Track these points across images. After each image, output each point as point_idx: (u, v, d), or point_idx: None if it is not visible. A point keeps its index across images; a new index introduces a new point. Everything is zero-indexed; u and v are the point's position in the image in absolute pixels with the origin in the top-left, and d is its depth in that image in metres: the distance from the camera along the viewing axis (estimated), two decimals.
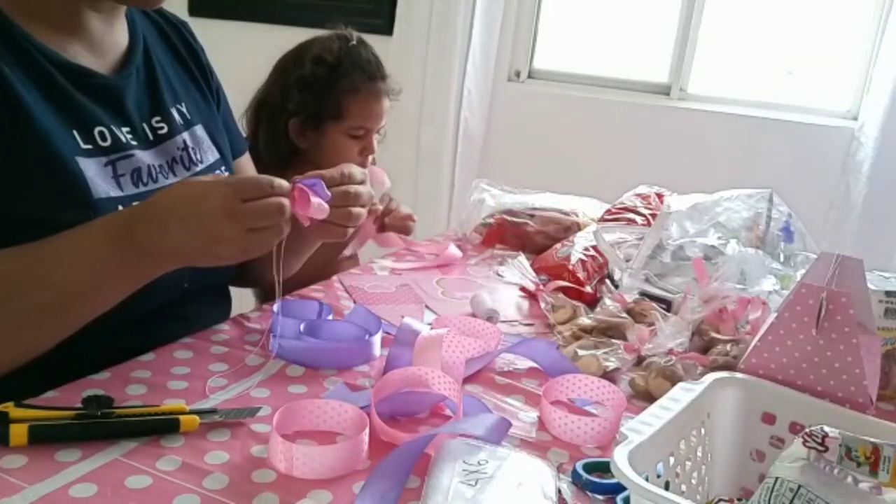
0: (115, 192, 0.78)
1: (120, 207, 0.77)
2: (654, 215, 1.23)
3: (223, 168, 0.96)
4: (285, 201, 0.70)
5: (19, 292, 0.68)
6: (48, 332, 0.71)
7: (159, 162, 0.86)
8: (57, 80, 0.77)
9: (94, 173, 0.76)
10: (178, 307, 0.86)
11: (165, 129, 0.88)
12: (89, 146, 0.78)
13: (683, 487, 0.56)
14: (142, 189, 0.81)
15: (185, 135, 0.91)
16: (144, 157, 0.84)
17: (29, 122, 0.72)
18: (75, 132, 0.77)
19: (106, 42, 0.84)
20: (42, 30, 0.77)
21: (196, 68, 0.99)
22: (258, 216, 0.69)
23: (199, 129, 0.94)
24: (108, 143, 0.80)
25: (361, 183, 0.81)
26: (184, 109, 0.92)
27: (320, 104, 1.38)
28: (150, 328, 0.81)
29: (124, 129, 0.82)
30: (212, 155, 0.95)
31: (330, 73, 1.38)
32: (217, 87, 1.04)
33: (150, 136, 0.86)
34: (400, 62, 2.59)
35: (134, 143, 0.83)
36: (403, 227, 1.40)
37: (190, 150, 0.90)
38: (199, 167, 0.91)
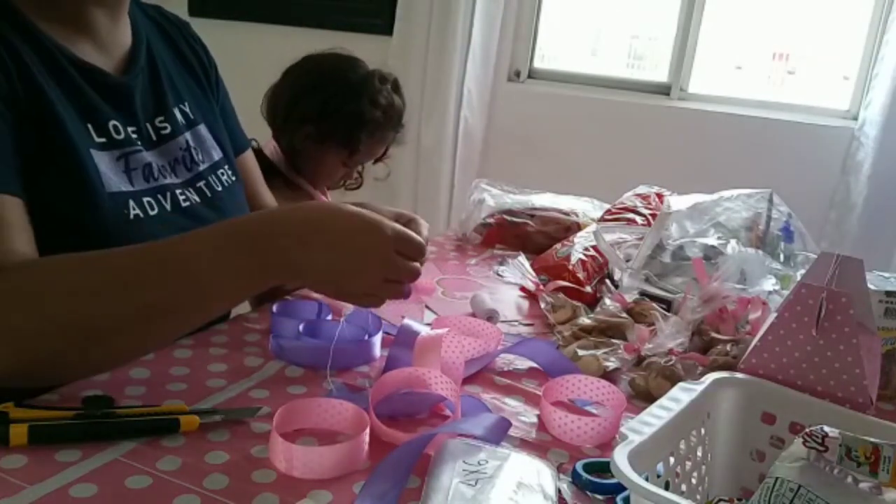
0: (125, 187, 0.78)
1: (131, 202, 0.78)
2: (654, 215, 1.23)
3: (226, 167, 0.96)
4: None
5: (136, 287, 0.66)
6: (161, 336, 0.71)
7: (161, 162, 0.86)
8: (73, 76, 0.78)
9: (107, 167, 0.77)
10: None
11: (168, 129, 0.89)
12: (103, 139, 0.78)
13: (683, 487, 0.56)
14: (151, 185, 0.82)
15: (188, 135, 0.91)
16: (150, 156, 0.84)
17: (49, 112, 0.73)
18: (90, 126, 0.77)
19: (112, 40, 0.85)
20: (53, 27, 0.78)
21: (198, 66, 1.00)
22: (402, 274, 0.71)
23: (202, 129, 0.95)
24: (122, 136, 0.81)
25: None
26: (186, 109, 0.93)
27: (343, 131, 1.44)
28: None
29: (130, 129, 0.83)
30: (216, 153, 0.95)
31: (381, 115, 1.46)
32: (218, 82, 1.04)
33: (154, 137, 0.87)
34: (400, 62, 2.59)
35: (138, 143, 0.84)
36: None
37: (192, 150, 0.91)
38: (201, 167, 0.91)
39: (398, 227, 0.70)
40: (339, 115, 1.43)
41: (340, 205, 0.70)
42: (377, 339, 0.85)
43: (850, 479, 0.47)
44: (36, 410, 0.62)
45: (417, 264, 0.72)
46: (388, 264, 0.69)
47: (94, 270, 0.66)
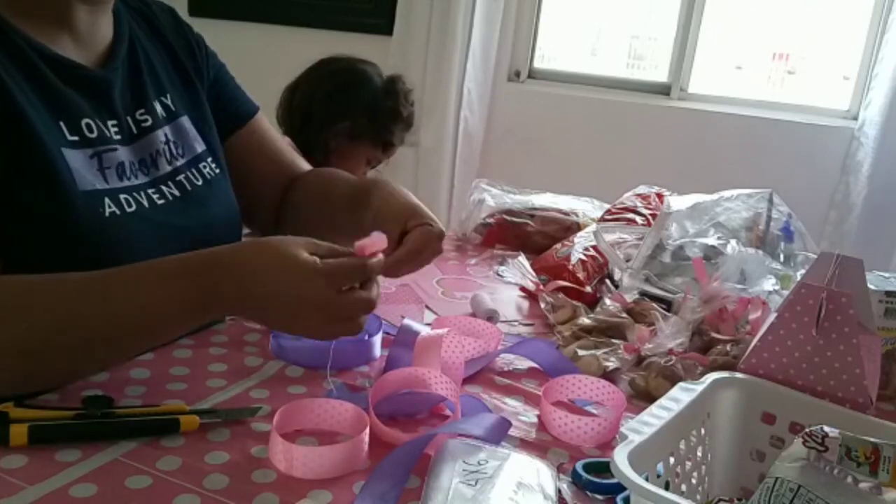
0: (100, 185, 0.78)
1: (106, 200, 0.77)
2: (654, 215, 1.23)
3: (209, 160, 0.94)
4: (374, 296, 0.71)
5: (80, 324, 0.66)
6: (101, 362, 0.72)
7: (141, 156, 0.85)
8: (44, 72, 0.77)
9: (80, 165, 0.76)
10: None
11: (149, 122, 0.88)
12: (76, 137, 0.77)
13: (683, 487, 0.56)
14: (126, 183, 0.81)
15: (167, 128, 0.90)
16: (127, 152, 0.83)
17: (17, 112, 0.72)
18: (62, 123, 0.77)
19: (91, 35, 0.84)
20: (28, 22, 0.77)
21: (184, 50, 0.97)
22: (348, 310, 0.70)
23: (185, 121, 0.93)
24: (95, 135, 0.79)
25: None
26: (168, 101, 0.91)
27: (380, 127, 1.53)
28: None
29: (110, 123, 0.82)
30: (198, 146, 0.93)
31: (413, 113, 1.58)
32: (207, 57, 1.01)
33: (135, 130, 0.86)
34: (400, 62, 2.59)
35: (118, 137, 0.83)
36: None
37: (172, 143, 0.90)
38: (180, 161, 0.90)
39: (330, 266, 0.67)
40: (379, 111, 1.50)
41: (278, 248, 0.69)
42: (377, 339, 0.85)
43: (850, 479, 0.47)
44: (36, 410, 0.62)
45: (370, 295, 0.70)
46: (326, 307, 0.68)
47: (39, 295, 0.66)
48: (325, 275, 0.67)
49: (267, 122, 1.09)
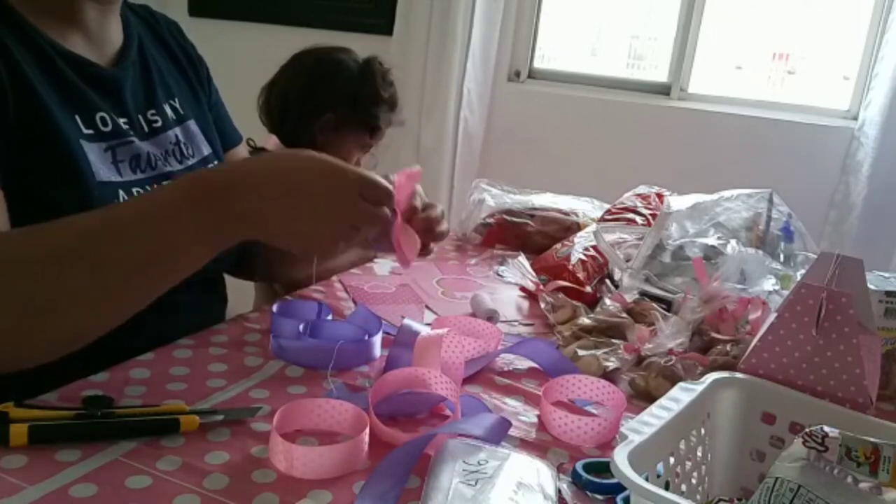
0: (114, 178, 0.79)
1: (120, 192, 0.79)
2: (654, 215, 1.23)
3: (216, 162, 0.97)
4: (386, 214, 0.70)
5: (90, 249, 0.62)
6: (123, 299, 0.66)
7: (155, 151, 0.87)
8: (60, 68, 0.79)
9: (96, 157, 0.78)
10: (171, 295, 0.85)
11: (160, 123, 0.90)
12: (91, 131, 0.79)
13: (683, 487, 0.56)
14: (140, 175, 0.83)
15: (178, 129, 0.93)
16: (142, 146, 0.85)
17: (39, 104, 0.74)
18: (77, 117, 0.78)
19: (103, 35, 0.86)
20: (43, 20, 0.79)
21: (187, 63, 1.01)
22: (364, 220, 0.68)
23: (192, 124, 0.96)
24: (109, 128, 0.81)
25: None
26: (177, 104, 0.94)
27: (363, 113, 1.49)
28: (144, 318, 0.80)
29: (121, 120, 0.84)
30: (205, 149, 0.96)
31: (394, 93, 1.53)
32: (208, 78, 1.05)
33: (146, 129, 0.88)
34: (400, 62, 2.59)
35: (131, 133, 0.85)
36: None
37: (182, 144, 0.92)
38: (191, 161, 0.92)
39: (362, 171, 0.67)
40: (359, 97, 1.47)
41: (301, 151, 0.68)
42: (377, 339, 0.85)
43: (850, 479, 0.47)
44: (36, 410, 0.62)
45: (384, 209, 0.69)
46: (352, 209, 0.66)
47: (42, 238, 0.63)
48: (357, 175, 0.66)
49: (246, 153, 1.13)
